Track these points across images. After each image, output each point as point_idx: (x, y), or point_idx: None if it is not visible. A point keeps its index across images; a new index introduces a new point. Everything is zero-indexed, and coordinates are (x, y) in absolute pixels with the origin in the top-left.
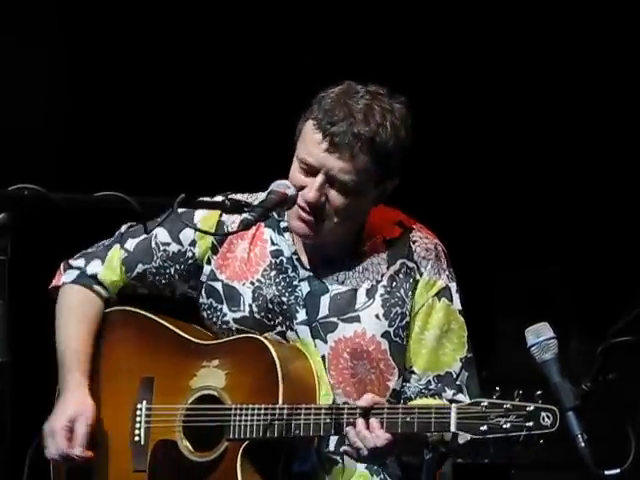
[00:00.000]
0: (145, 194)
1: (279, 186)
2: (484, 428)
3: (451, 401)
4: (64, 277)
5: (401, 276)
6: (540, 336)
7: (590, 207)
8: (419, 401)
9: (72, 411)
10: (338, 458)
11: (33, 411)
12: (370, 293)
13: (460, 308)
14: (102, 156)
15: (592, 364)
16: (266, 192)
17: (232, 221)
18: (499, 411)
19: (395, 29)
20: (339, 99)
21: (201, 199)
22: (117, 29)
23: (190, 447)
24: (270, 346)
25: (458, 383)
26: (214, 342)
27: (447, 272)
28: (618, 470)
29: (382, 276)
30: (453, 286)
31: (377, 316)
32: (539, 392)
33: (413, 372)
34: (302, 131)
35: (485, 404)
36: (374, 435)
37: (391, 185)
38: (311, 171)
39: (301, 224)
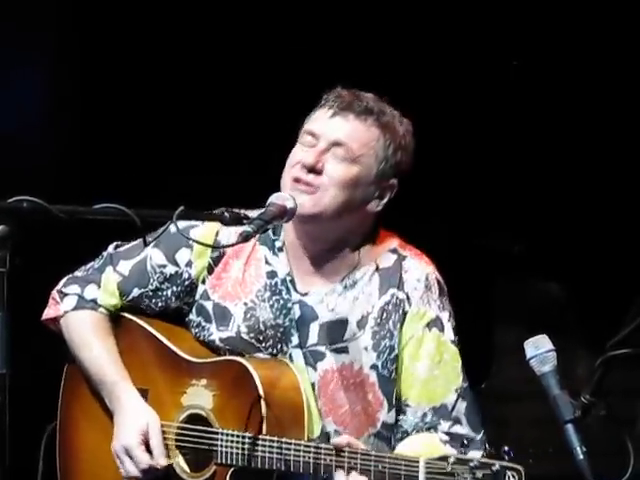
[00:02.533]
0: (144, 206)
1: (278, 198)
2: None
3: (447, 434)
4: (63, 305)
5: (390, 308)
6: (539, 348)
7: (590, 221)
8: (399, 448)
9: (141, 423)
10: None
11: (32, 421)
12: (361, 324)
13: (453, 338)
14: (103, 168)
15: (591, 376)
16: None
17: (228, 240)
18: (465, 468)
19: (393, 32)
20: (348, 91)
21: (200, 212)
22: (120, 40)
23: (183, 465)
24: (253, 372)
25: (454, 415)
26: (202, 361)
27: (438, 302)
28: None
29: (373, 307)
30: (445, 316)
31: (366, 348)
32: (506, 448)
33: (408, 405)
34: (308, 119)
35: (452, 460)
36: None
37: (389, 188)
38: (312, 142)
39: (300, 196)
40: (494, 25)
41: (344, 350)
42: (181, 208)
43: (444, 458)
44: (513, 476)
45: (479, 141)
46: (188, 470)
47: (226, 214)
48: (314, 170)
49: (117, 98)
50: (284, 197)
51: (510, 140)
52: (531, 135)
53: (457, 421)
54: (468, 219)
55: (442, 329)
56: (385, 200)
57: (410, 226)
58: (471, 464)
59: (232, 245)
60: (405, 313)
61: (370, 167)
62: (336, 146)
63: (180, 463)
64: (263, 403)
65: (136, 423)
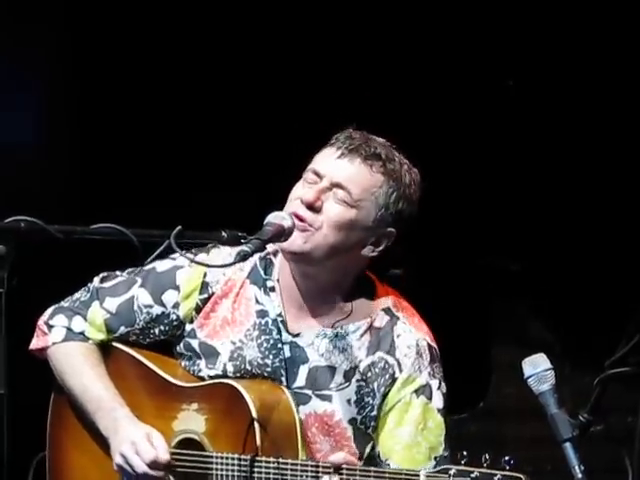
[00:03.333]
0: (142, 226)
1: (275, 217)
2: None
3: None
4: (51, 337)
5: (377, 370)
6: (537, 367)
7: (587, 240)
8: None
9: (145, 428)
10: None
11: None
12: (348, 375)
13: (440, 407)
14: (101, 187)
15: (589, 395)
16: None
17: (216, 281)
18: (466, 479)
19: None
20: (360, 133)
21: (198, 232)
22: (117, 61)
23: None
24: (245, 394)
25: None
26: (192, 385)
27: (429, 369)
28: None
29: (360, 362)
30: (434, 384)
31: (349, 401)
32: (507, 457)
33: (389, 465)
34: (316, 155)
35: (453, 472)
36: None
37: (386, 235)
38: (316, 180)
39: (295, 233)
40: (489, 46)
41: (328, 398)
42: (178, 228)
43: (445, 471)
44: None
45: (477, 161)
46: None
47: (223, 233)
48: (312, 208)
49: (116, 115)
50: (281, 216)
51: (508, 160)
52: (528, 155)
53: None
54: (466, 238)
55: (430, 397)
56: (381, 247)
57: (409, 245)
58: (472, 475)
59: (230, 265)
60: (395, 379)
61: (369, 212)
62: (337, 188)
63: None
64: (257, 425)
65: (139, 429)
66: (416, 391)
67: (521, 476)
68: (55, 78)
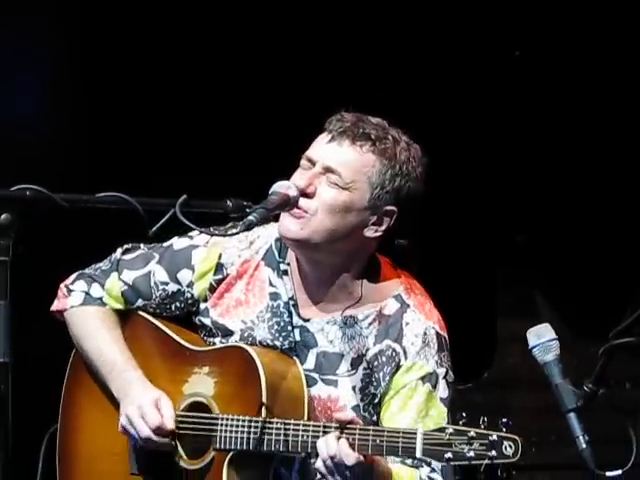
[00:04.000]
0: (148, 196)
1: (280, 187)
2: (448, 455)
3: (428, 477)
4: (70, 300)
5: (384, 359)
6: (541, 337)
7: (592, 211)
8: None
9: (154, 393)
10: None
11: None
12: (355, 364)
13: (444, 397)
14: (107, 157)
15: (594, 366)
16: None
17: (231, 263)
18: (463, 439)
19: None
20: (353, 114)
21: (203, 201)
22: (123, 30)
23: (183, 453)
24: (256, 358)
25: (432, 466)
26: (205, 349)
27: (436, 357)
28: (620, 472)
29: (367, 351)
30: (441, 372)
31: (354, 388)
32: (504, 420)
33: None
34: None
35: (450, 431)
36: (344, 453)
37: (387, 213)
38: (310, 166)
39: (287, 219)
40: (496, 17)
41: (334, 383)
42: (184, 197)
43: (442, 429)
44: (510, 446)
45: (482, 132)
46: (186, 457)
47: (228, 203)
48: (306, 194)
49: (121, 83)
50: (287, 185)
51: (513, 131)
52: (534, 126)
53: (434, 470)
54: (472, 210)
55: (435, 385)
56: (384, 226)
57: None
58: (469, 434)
59: (235, 234)
60: (399, 366)
61: (363, 193)
62: (329, 172)
63: (180, 451)
64: (264, 389)
65: (150, 392)
66: (422, 378)
67: (516, 437)
68: (60, 47)
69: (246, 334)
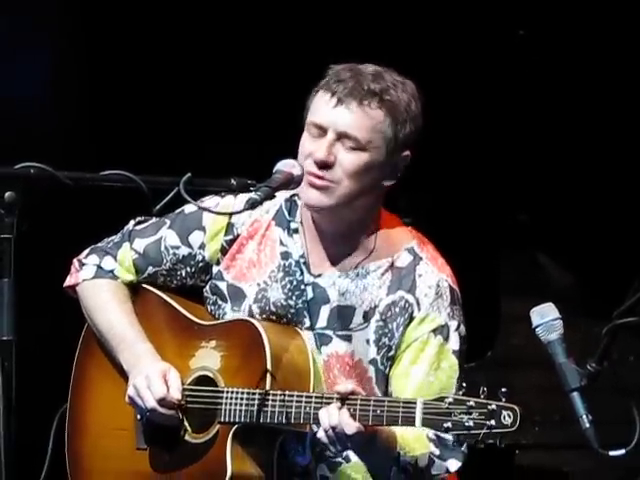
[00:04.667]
0: (152, 174)
1: (285, 165)
2: (447, 425)
3: (435, 435)
4: (82, 274)
5: (397, 310)
6: (545, 317)
7: (595, 190)
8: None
9: (162, 365)
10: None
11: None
12: (367, 316)
13: (456, 348)
14: (111, 135)
15: (598, 345)
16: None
17: (242, 223)
18: (462, 408)
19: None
20: (347, 66)
21: (207, 179)
22: (127, 9)
23: (189, 427)
24: (262, 331)
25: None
26: (213, 323)
27: (448, 309)
28: (623, 451)
29: (380, 301)
30: (453, 324)
31: (368, 341)
32: (504, 389)
33: None
34: (311, 103)
35: (450, 400)
36: (345, 423)
37: (402, 160)
38: (321, 134)
39: (313, 191)
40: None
41: (348, 338)
42: (188, 175)
43: (441, 399)
44: (509, 415)
45: (484, 111)
46: (192, 431)
47: (233, 181)
48: (326, 165)
49: (125, 61)
50: (291, 164)
51: (516, 110)
52: (536, 105)
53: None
54: (474, 189)
55: (447, 338)
56: (400, 172)
57: (418, 196)
58: (468, 404)
59: (239, 212)
60: (412, 318)
61: (380, 149)
62: (343, 137)
63: (186, 425)
64: (269, 362)
65: (158, 364)
66: (434, 330)
67: (515, 407)
68: (64, 26)
69: (260, 296)
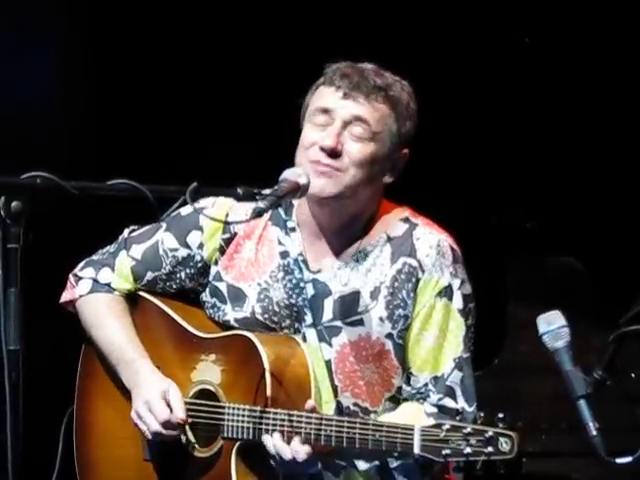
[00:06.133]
0: (159, 183)
1: (291, 174)
2: (446, 452)
3: (436, 406)
4: (78, 289)
5: (403, 276)
6: (552, 324)
7: (603, 196)
8: (380, 418)
9: (162, 385)
10: (342, 463)
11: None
12: (374, 295)
13: (461, 307)
14: (117, 144)
15: (604, 352)
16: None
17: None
18: (459, 435)
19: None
20: (347, 64)
21: (213, 188)
22: (132, 17)
23: (193, 441)
24: (260, 346)
25: (448, 384)
26: (212, 336)
27: (451, 268)
28: (630, 458)
29: (385, 276)
30: (456, 283)
31: (381, 318)
32: (500, 415)
33: (411, 374)
34: (311, 99)
35: (447, 427)
36: (294, 450)
37: (401, 157)
38: (327, 120)
39: (318, 180)
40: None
41: (359, 322)
42: (194, 184)
43: (438, 426)
44: (506, 442)
45: (492, 116)
46: (197, 445)
47: (239, 190)
48: (334, 153)
49: (131, 70)
50: (297, 173)
51: (523, 115)
52: (543, 111)
53: (449, 393)
54: (481, 195)
55: (451, 298)
56: (399, 170)
57: (424, 202)
58: (464, 431)
59: (245, 221)
60: (418, 280)
61: (385, 142)
62: (354, 123)
63: (189, 438)
64: (269, 377)
65: (157, 385)
66: (439, 293)
67: (512, 434)
68: (71, 32)
69: (262, 295)
